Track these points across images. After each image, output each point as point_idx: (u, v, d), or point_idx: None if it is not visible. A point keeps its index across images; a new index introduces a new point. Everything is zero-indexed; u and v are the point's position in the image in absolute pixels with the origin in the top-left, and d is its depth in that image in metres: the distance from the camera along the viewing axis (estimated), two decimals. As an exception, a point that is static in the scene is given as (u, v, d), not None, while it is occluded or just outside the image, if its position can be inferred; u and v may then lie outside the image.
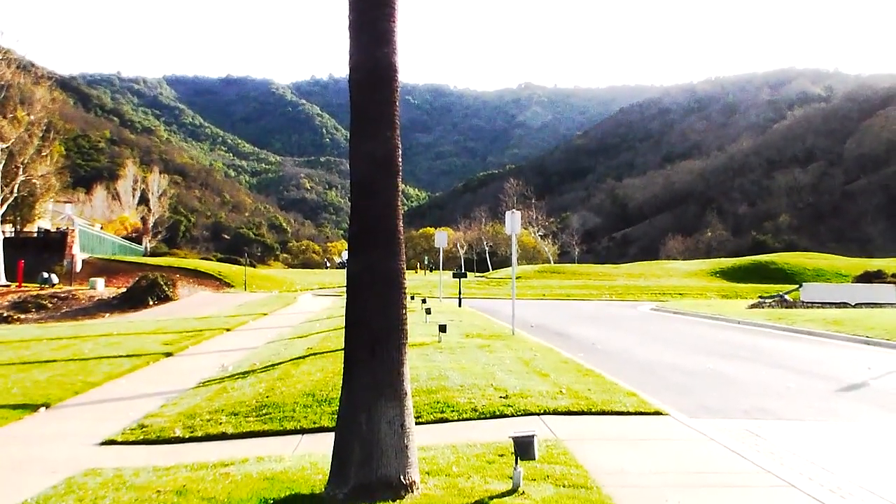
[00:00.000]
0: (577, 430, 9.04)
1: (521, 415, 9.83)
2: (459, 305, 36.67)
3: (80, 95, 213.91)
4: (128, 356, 17.39)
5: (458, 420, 9.70)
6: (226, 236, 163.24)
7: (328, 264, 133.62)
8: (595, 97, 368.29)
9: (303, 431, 9.57)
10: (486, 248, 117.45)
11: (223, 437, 9.49)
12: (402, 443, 6.07)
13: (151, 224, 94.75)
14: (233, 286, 55.03)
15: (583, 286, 61.79)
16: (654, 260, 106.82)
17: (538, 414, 9.86)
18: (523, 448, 6.50)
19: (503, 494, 6.26)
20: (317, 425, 9.70)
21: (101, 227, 79.18)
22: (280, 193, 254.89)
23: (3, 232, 52.16)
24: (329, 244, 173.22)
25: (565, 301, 48.73)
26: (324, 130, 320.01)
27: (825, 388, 13.35)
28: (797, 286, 43.94)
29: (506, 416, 9.78)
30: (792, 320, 27.84)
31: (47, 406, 11.74)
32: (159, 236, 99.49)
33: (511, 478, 6.50)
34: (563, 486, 6.52)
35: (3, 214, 47.75)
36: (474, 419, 9.72)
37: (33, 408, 11.49)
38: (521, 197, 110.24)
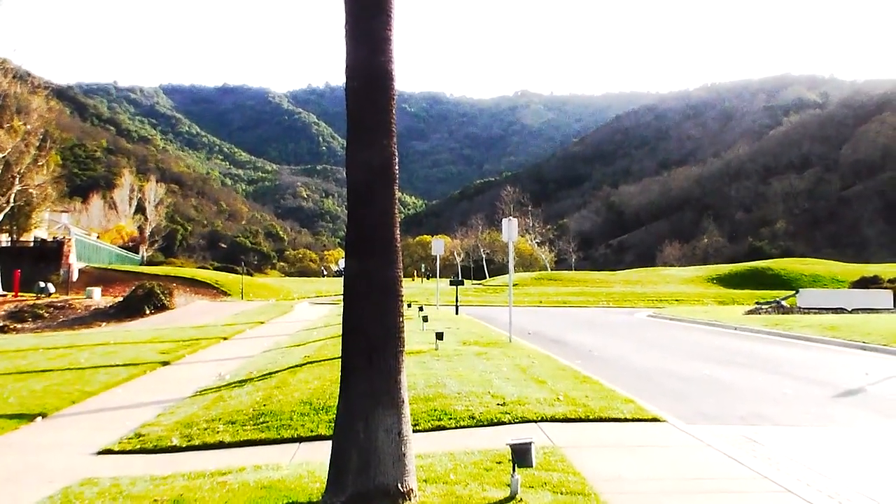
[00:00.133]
0: (575, 436, 9.05)
1: (519, 422, 9.83)
2: (456, 313, 36.66)
3: (76, 105, 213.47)
4: (124, 365, 17.36)
5: (456, 428, 9.69)
6: (222, 245, 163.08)
7: (325, 273, 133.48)
8: (591, 104, 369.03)
9: (300, 440, 9.56)
10: (483, 256, 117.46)
11: (220, 445, 9.47)
12: (399, 451, 6.06)
13: (148, 233, 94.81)
14: (229, 295, 55.00)
15: (580, 293, 61.86)
16: (651, 266, 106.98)
17: (536, 421, 9.86)
18: (521, 455, 6.51)
19: (501, 502, 6.26)
20: (314, 433, 9.69)
21: (98, 237, 79.17)
22: (277, 202, 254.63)
23: (0, 241, 52.12)
24: (326, 252, 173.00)
25: (562, 308, 48.76)
26: (320, 139, 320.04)
27: (822, 394, 13.37)
28: (794, 292, 44.03)
29: (503, 423, 9.78)
30: (789, 326, 27.86)
31: (44, 415, 11.71)
32: (156, 245, 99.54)
33: (509, 485, 6.50)
34: (561, 493, 6.52)
35: (-1, 224, 47.73)
36: (472, 427, 9.71)
37: (30, 417, 11.46)
38: (518, 204, 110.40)
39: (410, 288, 65.37)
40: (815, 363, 18.33)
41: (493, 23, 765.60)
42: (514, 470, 6.50)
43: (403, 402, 6.23)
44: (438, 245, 40.63)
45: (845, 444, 9.53)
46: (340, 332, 6.50)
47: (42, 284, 43.37)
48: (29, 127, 47.82)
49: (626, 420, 10.04)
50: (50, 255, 54.56)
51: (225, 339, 25.04)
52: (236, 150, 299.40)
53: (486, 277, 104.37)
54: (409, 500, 6.03)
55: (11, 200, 47.39)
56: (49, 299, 40.80)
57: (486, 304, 51.80)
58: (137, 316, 37.45)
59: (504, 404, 10.66)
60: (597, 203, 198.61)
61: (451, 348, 18.08)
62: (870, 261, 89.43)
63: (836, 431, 10.28)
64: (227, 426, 10.28)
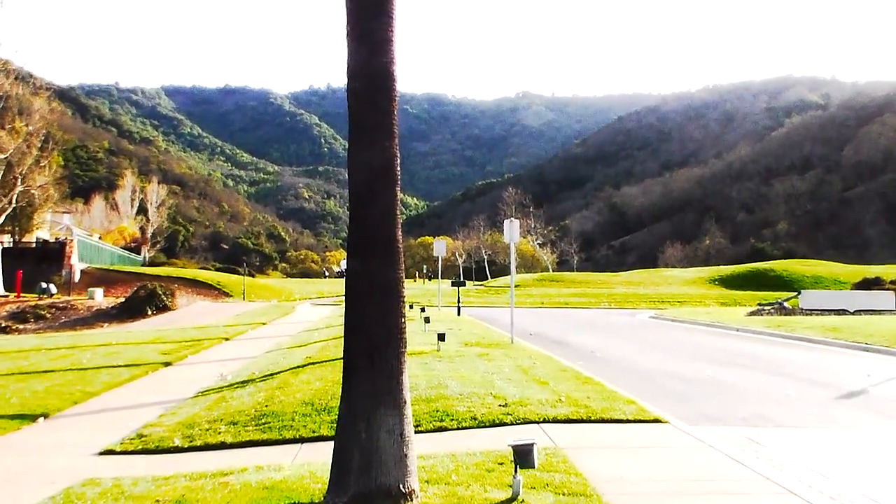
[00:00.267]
0: (577, 438, 9.04)
1: (521, 423, 9.82)
2: (458, 314, 36.65)
3: (78, 106, 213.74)
4: (126, 366, 17.37)
5: (458, 428, 9.69)
6: (224, 246, 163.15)
7: (327, 273, 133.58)
8: (593, 105, 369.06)
9: (302, 440, 9.56)
10: (485, 257, 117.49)
11: (222, 446, 9.47)
12: (401, 451, 6.06)
13: (150, 234, 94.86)
14: (231, 296, 55.03)
15: (581, 294, 61.84)
16: (653, 268, 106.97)
17: (538, 422, 9.86)
18: (523, 456, 6.50)
19: (503, 503, 6.25)
20: (316, 434, 9.69)
21: (100, 238, 79.22)
22: (278, 203, 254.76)
23: (2, 242, 52.18)
24: (327, 253, 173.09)
25: (564, 309, 48.75)
26: (322, 140, 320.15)
27: (824, 396, 13.35)
28: (796, 293, 44.00)
29: (505, 424, 9.78)
30: (791, 327, 27.84)
31: (46, 416, 11.72)
32: (158, 246, 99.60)
33: (511, 486, 6.50)
34: (563, 495, 6.52)
35: (1, 225, 47.76)
36: (473, 427, 9.71)
37: (32, 418, 11.48)
38: (520, 205, 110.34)
39: (412, 289, 65.37)
40: (817, 365, 18.31)
41: (495, 24, 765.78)
42: (516, 471, 6.50)
43: (405, 402, 6.23)
44: (440, 246, 40.64)
45: (848, 446, 9.52)
46: (342, 334, 6.50)
47: (44, 285, 43.39)
48: (31, 128, 47.82)
49: (628, 421, 10.04)
50: (52, 255, 54.58)
51: (227, 339, 25.06)
52: (238, 151, 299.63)
53: (487, 279, 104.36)
54: (411, 500, 6.02)
55: (13, 201, 47.38)
56: (51, 300, 40.83)
57: (487, 305, 51.78)
58: (139, 317, 37.47)
59: (506, 405, 10.66)
60: (598, 204, 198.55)
61: (453, 349, 18.08)
62: (872, 262, 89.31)
63: (838, 433, 10.27)
64: (229, 427, 10.28)
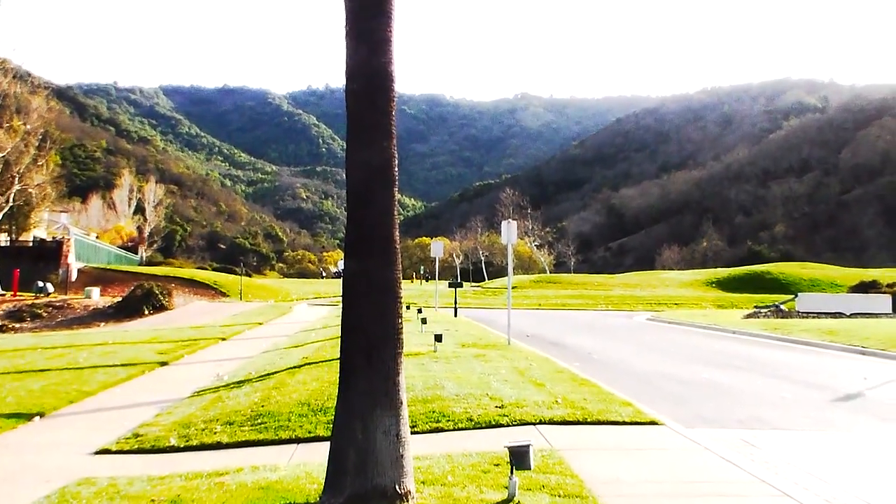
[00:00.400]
0: (573, 439, 9.04)
1: (517, 424, 9.82)
2: (455, 315, 36.65)
3: (76, 105, 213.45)
4: (123, 365, 17.36)
5: (454, 430, 9.68)
6: (222, 246, 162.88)
7: (324, 274, 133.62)
8: (591, 107, 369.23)
9: (298, 441, 9.56)
10: (482, 258, 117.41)
11: (218, 446, 9.47)
12: (397, 452, 6.06)
13: (147, 233, 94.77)
14: (228, 295, 54.98)
15: (579, 296, 61.83)
16: (650, 270, 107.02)
17: (534, 423, 9.86)
18: (519, 458, 6.50)
19: (498, 504, 6.25)
20: (312, 434, 9.68)
21: (97, 237, 79.13)
22: (276, 203, 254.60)
23: (-1, 241, 52.11)
24: (325, 254, 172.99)
25: (561, 311, 48.76)
26: (320, 140, 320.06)
27: (821, 398, 13.37)
28: (793, 296, 44.00)
29: (501, 425, 9.78)
30: (787, 330, 27.87)
31: (41, 415, 11.71)
32: (155, 246, 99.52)
33: (506, 487, 6.50)
34: (559, 496, 6.52)
35: (-2, 223, 47.75)
36: (470, 429, 9.70)
37: (27, 417, 11.46)
38: (518, 207, 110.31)
39: (409, 290, 65.30)
40: (813, 367, 18.33)
41: (494, 25, 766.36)
42: (512, 472, 6.50)
43: (402, 403, 6.23)
44: (437, 247, 40.64)
45: (844, 449, 9.53)
46: (338, 334, 6.49)
47: (41, 284, 43.37)
48: (29, 127, 47.86)
49: (624, 423, 10.04)
50: (49, 254, 54.51)
51: (223, 339, 25.04)
52: (236, 151, 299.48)
53: (484, 280, 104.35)
54: (407, 501, 6.02)
55: (11, 200, 47.39)
56: (48, 299, 40.79)
57: (484, 306, 51.78)
58: (136, 316, 37.44)
59: (502, 407, 10.66)
60: (596, 206, 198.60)
61: (450, 350, 18.08)
62: (869, 265, 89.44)
63: (834, 436, 10.28)
64: (225, 427, 10.27)
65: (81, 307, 38.84)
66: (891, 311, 37.29)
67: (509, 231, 22.47)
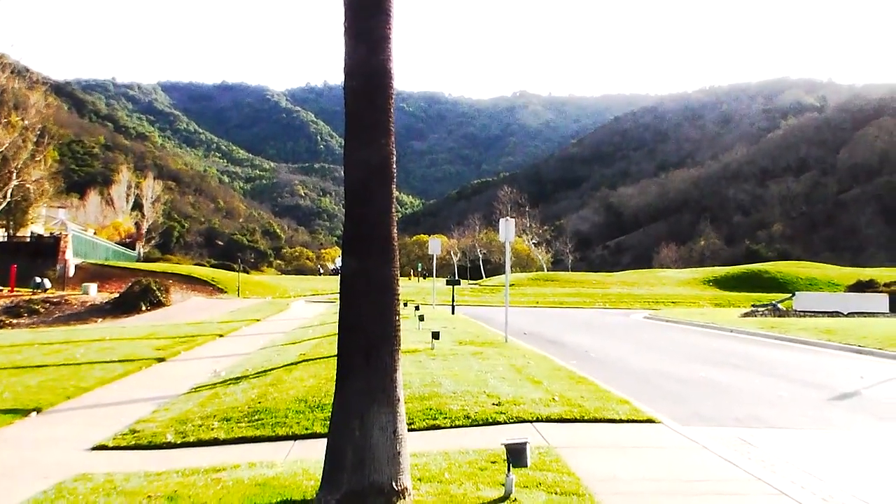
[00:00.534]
0: (570, 437, 9.05)
1: (514, 422, 9.83)
2: (453, 312, 36.65)
3: (74, 101, 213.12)
4: (120, 361, 17.34)
5: (451, 427, 9.68)
6: (219, 242, 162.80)
7: (321, 271, 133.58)
8: (590, 105, 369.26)
9: (295, 437, 9.55)
10: (480, 256, 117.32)
11: (215, 442, 9.46)
12: (394, 449, 6.06)
13: (145, 230, 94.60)
14: (226, 292, 54.94)
15: (576, 294, 61.87)
16: (648, 268, 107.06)
17: (531, 421, 9.86)
18: (516, 455, 6.50)
19: (495, 501, 6.26)
20: (309, 431, 9.68)
21: (95, 233, 78.96)
22: (274, 200, 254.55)
23: (-4, 236, 52.04)
24: (323, 251, 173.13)
25: (559, 309, 48.78)
26: (318, 137, 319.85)
27: (818, 397, 13.38)
28: (790, 295, 44.10)
29: (498, 423, 9.78)
30: (785, 329, 27.90)
31: (39, 411, 11.69)
32: (153, 242, 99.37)
33: (503, 485, 6.50)
34: (556, 494, 6.52)
35: (-4, 219, 47.68)
36: (467, 426, 9.71)
37: (24, 412, 11.45)
38: (516, 205, 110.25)
39: (407, 287, 65.37)
40: (810, 366, 18.35)
41: (493, 23, 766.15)
42: (508, 469, 6.50)
43: (399, 400, 6.23)
44: (435, 244, 40.60)
45: (841, 447, 9.54)
46: (336, 331, 6.49)
47: (38, 280, 43.28)
48: (26, 122, 47.79)
49: (621, 421, 10.04)
50: (46, 250, 54.37)
51: (221, 336, 25.01)
52: (234, 147, 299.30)
53: (482, 277, 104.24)
54: (404, 498, 6.02)
55: (8, 195, 47.32)
56: (45, 295, 40.73)
57: (482, 304, 51.79)
58: (133, 312, 37.38)
59: (499, 404, 10.66)
60: (594, 204, 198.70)
61: (447, 348, 18.08)
62: (866, 264, 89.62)
63: (831, 434, 10.29)
64: (222, 423, 10.27)
65: (79, 303, 38.78)
66: (888, 311, 37.37)
67: (507, 229, 22.48)
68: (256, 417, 10.47)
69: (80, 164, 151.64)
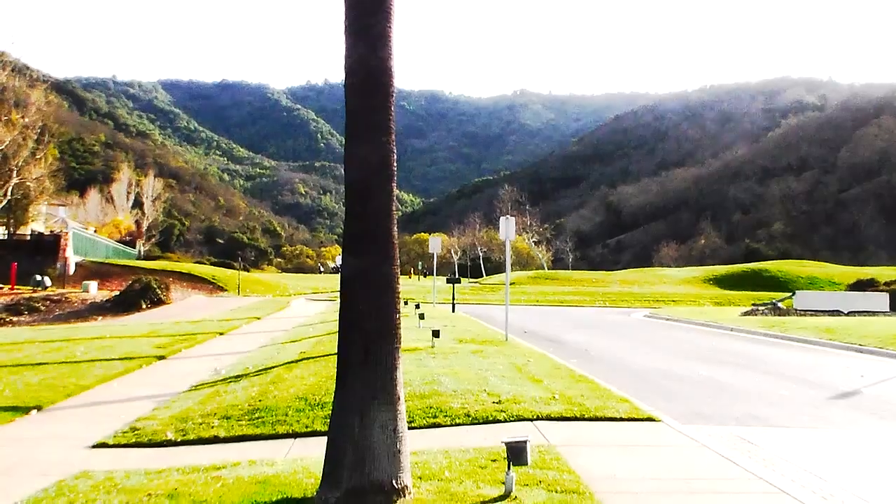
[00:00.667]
0: (570, 435, 9.05)
1: (514, 420, 9.83)
2: (453, 311, 36.65)
3: (74, 99, 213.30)
4: (120, 359, 17.34)
5: (451, 425, 9.69)
6: (220, 240, 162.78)
7: (322, 269, 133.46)
8: (590, 104, 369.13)
9: (295, 435, 9.55)
10: (480, 254, 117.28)
11: (215, 440, 9.46)
12: (394, 447, 6.06)
13: (145, 228, 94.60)
14: (226, 290, 54.93)
15: (576, 292, 61.83)
16: (648, 267, 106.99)
17: (531, 419, 9.86)
18: (516, 453, 6.50)
19: (495, 499, 6.26)
20: (309, 429, 9.68)
21: (95, 231, 78.99)
22: (274, 198, 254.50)
23: (-3, 234, 52.04)
24: (323, 249, 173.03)
25: (559, 307, 48.77)
26: (319, 135, 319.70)
27: (818, 396, 13.38)
28: (790, 294, 44.05)
29: (499, 421, 9.78)
30: (785, 328, 27.89)
31: (39, 408, 11.70)
32: (153, 240, 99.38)
33: (503, 483, 6.50)
34: (556, 492, 6.53)
35: (-4, 217, 47.69)
36: (467, 424, 9.71)
37: (25, 410, 11.45)
38: (516, 203, 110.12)
39: (407, 286, 65.37)
40: (810, 365, 18.35)
41: (493, 21, 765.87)
42: (509, 468, 6.50)
43: (399, 398, 6.23)
44: (435, 243, 40.60)
45: (840, 446, 9.54)
46: (336, 329, 6.49)
47: (38, 278, 43.27)
48: (27, 120, 47.78)
49: (621, 419, 10.05)
50: (47, 248, 54.34)
51: (221, 334, 25.02)
52: (234, 145, 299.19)
53: (482, 276, 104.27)
54: (404, 496, 6.03)
55: (9, 193, 47.32)
56: (45, 293, 40.73)
57: (482, 302, 51.77)
58: (134, 310, 37.36)
59: (500, 402, 10.66)
60: (595, 203, 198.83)
61: (448, 346, 18.08)
62: (867, 263, 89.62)
63: (831, 433, 10.29)
64: (223, 421, 10.27)
65: (79, 301, 38.77)
66: (888, 310, 37.32)
67: (507, 227, 22.47)
68: (257, 415, 10.47)
69: (81, 162, 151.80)
